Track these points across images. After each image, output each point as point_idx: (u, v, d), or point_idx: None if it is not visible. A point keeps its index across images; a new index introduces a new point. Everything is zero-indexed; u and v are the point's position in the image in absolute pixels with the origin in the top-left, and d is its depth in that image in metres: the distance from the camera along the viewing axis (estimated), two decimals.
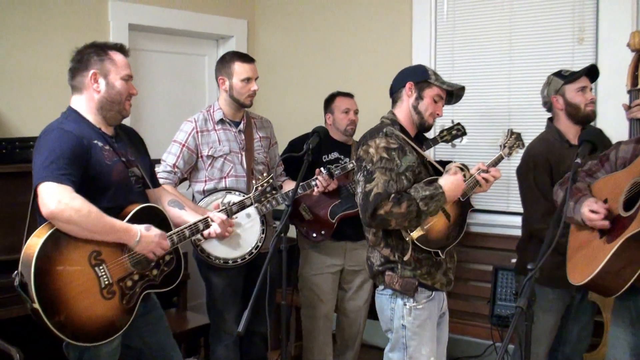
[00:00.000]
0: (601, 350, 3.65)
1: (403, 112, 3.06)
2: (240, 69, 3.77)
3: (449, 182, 2.90)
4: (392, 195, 2.77)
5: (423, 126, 3.07)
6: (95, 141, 2.79)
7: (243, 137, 3.87)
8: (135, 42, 4.90)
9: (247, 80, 3.77)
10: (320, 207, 4.14)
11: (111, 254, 2.74)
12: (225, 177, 3.78)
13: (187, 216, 3.12)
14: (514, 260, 3.78)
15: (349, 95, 4.30)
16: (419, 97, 3.03)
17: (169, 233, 2.92)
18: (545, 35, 4.49)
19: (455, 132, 4.04)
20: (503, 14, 4.64)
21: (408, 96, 3.04)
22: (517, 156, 3.53)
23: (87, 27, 4.58)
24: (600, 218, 2.69)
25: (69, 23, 4.50)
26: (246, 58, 3.83)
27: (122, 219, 2.79)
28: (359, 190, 2.88)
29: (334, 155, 4.24)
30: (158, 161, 4.58)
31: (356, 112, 4.26)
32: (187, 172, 3.83)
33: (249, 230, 3.72)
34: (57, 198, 2.54)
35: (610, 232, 2.66)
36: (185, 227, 3.01)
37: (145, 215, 2.88)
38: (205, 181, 3.79)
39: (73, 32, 4.48)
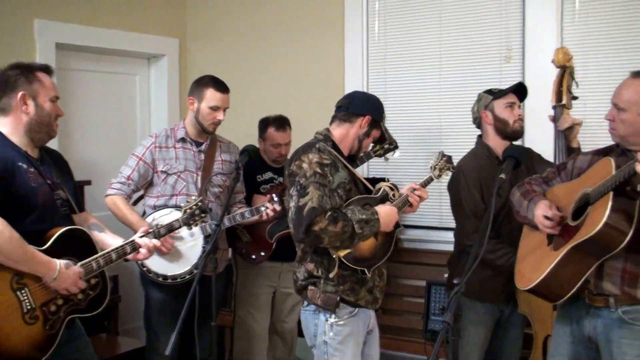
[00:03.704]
0: None
1: (343, 134, 3.07)
2: (211, 96, 3.77)
3: (385, 212, 2.95)
4: (329, 213, 2.77)
5: (355, 156, 3.15)
6: (20, 163, 2.73)
7: (202, 158, 3.86)
8: (63, 62, 4.79)
9: (215, 108, 3.77)
10: (257, 228, 4.13)
11: (34, 277, 2.65)
12: (176, 195, 3.79)
13: (110, 239, 3.07)
14: (446, 275, 3.82)
15: (282, 128, 4.24)
16: (367, 134, 3.09)
17: (95, 256, 2.86)
18: (474, 55, 4.59)
19: (388, 145, 4.10)
20: (433, 34, 4.72)
21: (360, 126, 3.06)
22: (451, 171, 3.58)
23: (12, 46, 4.45)
24: (553, 226, 2.73)
25: None
26: (220, 87, 3.82)
27: (46, 241, 2.72)
28: (292, 204, 2.87)
29: (268, 175, 4.24)
30: (88, 182, 4.54)
31: (288, 144, 4.25)
32: (143, 186, 3.83)
33: (191, 249, 3.70)
34: None
35: (558, 239, 2.71)
36: (112, 250, 2.95)
37: (72, 237, 2.82)
38: (158, 197, 3.80)
39: None
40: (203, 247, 3.71)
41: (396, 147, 4.11)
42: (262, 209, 3.84)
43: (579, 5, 4.22)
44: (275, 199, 3.84)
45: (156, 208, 3.78)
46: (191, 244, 3.70)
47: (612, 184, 2.45)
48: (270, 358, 4.42)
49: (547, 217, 2.74)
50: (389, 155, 4.10)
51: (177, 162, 3.80)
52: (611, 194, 2.46)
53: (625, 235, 2.45)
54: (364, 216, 2.85)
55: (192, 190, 3.79)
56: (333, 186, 2.87)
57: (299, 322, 3.66)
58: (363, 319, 3.03)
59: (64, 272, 2.70)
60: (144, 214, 3.82)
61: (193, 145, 3.85)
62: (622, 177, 2.42)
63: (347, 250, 2.86)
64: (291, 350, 4.44)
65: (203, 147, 3.87)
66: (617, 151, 2.75)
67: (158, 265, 3.65)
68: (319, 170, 2.84)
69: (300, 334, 4.21)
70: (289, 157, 3.73)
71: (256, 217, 3.86)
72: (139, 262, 3.58)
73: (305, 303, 3.03)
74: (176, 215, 3.56)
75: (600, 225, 2.43)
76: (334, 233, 2.77)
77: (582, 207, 2.64)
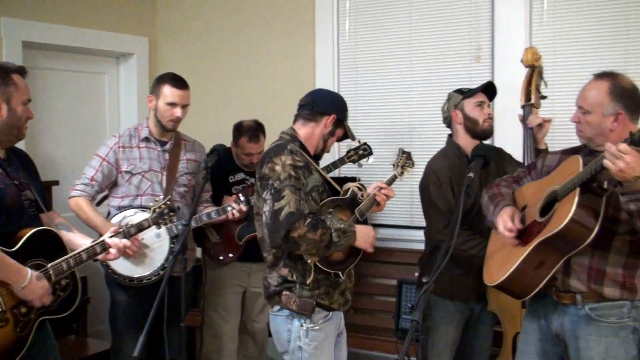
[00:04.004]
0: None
1: (308, 133, 3.03)
2: (168, 92, 3.71)
3: (363, 230, 2.94)
4: (308, 219, 2.72)
5: (319, 155, 3.11)
6: None
7: (167, 157, 3.82)
8: (30, 60, 4.72)
9: (172, 105, 3.71)
10: (227, 229, 4.12)
11: (2, 281, 2.62)
12: (141, 195, 3.76)
13: (79, 239, 3.04)
14: (417, 274, 3.83)
15: (255, 139, 4.15)
16: (332, 133, 3.06)
17: (66, 257, 2.83)
18: (444, 54, 4.62)
19: (362, 151, 4.11)
20: (403, 33, 4.74)
21: (325, 125, 3.03)
22: (422, 170, 3.59)
23: None
24: (512, 237, 2.75)
25: None
26: (177, 83, 3.75)
27: (16, 242, 2.69)
28: (266, 209, 2.80)
29: (240, 176, 4.22)
30: (56, 182, 4.49)
31: (260, 152, 4.23)
32: (107, 187, 3.79)
33: (157, 250, 3.67)
34: None
35: (525, 236, 2.74)
36: (83, 251, 2.92)
37: (41, 238, 2.79)
38: (122, 197, 3.76)
39: None
40: (170, 248, 3.69)
41: (370, 153, 4.12)
42: (229, 209, 3.82)
43: (548, 5, 4.27)
44: (242, 198, 3.81)
45: (121, 209, 3.74)
46: (157, 245, 3.67)
47: (579, 180, 2.48)
48: (240, 358, 4.40)
49: (508, 229, 2.76)
50: (363, 161, 4.11)
51: (142, 162, 3.77)
52: (578, 190, 2.49)
53: (591, 231, 2.48)
54: (342, 226, 2.82)
55: (157, 190, 3.76)
56: (307, 189, 2.84)
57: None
58: (335, 322, 3.02)
59: (34, 283, 2.67)
60: (108, 215, 3.79)
61: (157, 144, 3.82)
62: (589, 174, 2.44)
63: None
64: (262, 349, 4.44)
65: (167, 146, 3.84)
66: (585, 151, 2.78)
67: (124, 267, 3.61)
68: (293, 173, 2.79)
69: (271, 334, 4.22)
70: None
71: (222, 217, 3.84)
72: (104, 263, 3.56)
73: (277, 308, 2.97)
74: (142, 216, 3.55)
75: (567, 220, 2.46)
76: (312, 240, 2.73)
77: (550, 204, 2.67)
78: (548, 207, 2.67)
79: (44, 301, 2.74)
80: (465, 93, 3.51)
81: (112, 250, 3.02)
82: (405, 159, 3.52)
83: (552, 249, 2.60)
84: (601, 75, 2.69)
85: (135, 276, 3.65)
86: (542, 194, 2.73)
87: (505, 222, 2.78)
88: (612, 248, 2.61)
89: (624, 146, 2.29)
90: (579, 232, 2.49)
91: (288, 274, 2.90)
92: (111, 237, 3.05)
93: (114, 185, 3.79)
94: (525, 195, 2.87)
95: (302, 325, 2.90)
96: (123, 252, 3.09)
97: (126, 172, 3.74)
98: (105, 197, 3.94)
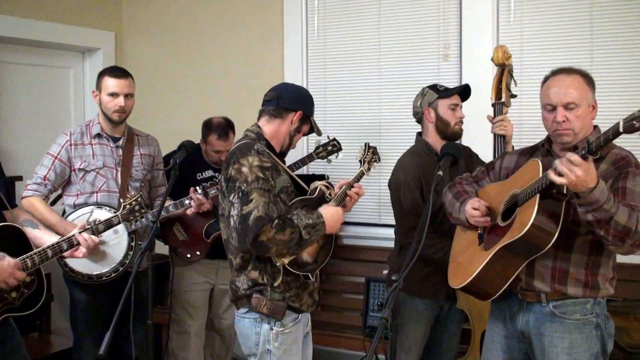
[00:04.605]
0: (469, 357, 3.76)
1: (274, 130, 2.95)
2: (107, 83, 3.69)
3: (330, 214, 2.86)
4: (275, 221, 2.66)
5: (285, 152, 3.05)
6: None
7: (120, 153, 3.78)
8: None
9: (114, 95, 3.68)
10: (194, 227, 4.09)
11: None
12: (97, 192, 3.71)
13: (45, 236, 3.00)
14: (385, 272, 3.84)
15: (224, 137, 4.10)
16: (298, 129, 3.00)
17: (30, 253, 2.78)
18: (413, 52, 4.64)
19: (331, 148, 4.09)
20: (372, 31, 4.75)
21: (291, 122, 2.96)
22: (391, 167, 3.59)
23: None
24: (480, 214, 2.77)
25: None
26: (116, 73, 3.73)
27: None
28: (234, 212, 2.70)
29: (208, 173, 4.19)
30: (19, 178, 4.41)
31: (229, 150, 4.20)
32: (61, 185, 3.74)
33: (115, 247, 3.62)
34: None
35: (488, 240, 2.76)
36: (48, 247, 2.87)
37: (4, 235, 2.74)
38: (77, 195, 3.71)
39: None
40: (129, 244, 3.65)
41: (340, 149, 4.10)
42: (187, 202, 3.81)
43: (514, 5, 4.30)
44: (199, 191, 3.80)
45: (76, 206, 3.69)
46: (115, 241, 3.62)
47: (538, 186, 2.50)
48: (208, 355, 4.38)
49: (474, 208, 2.79)
50: (332, 157, 4.09)
51: (95, 158, 3.73)
52: (537, 196, 2.51)
53: (552, 236, 2.51)
54: (310, 221, 2.76)
55: (113, 187, 3.73)
56: (276, 191, 2.77)
57: None
58: (303, 323, 2.98)
59: None
60: (63, 214, 3.73)
61: (110, 140, 3.78)
62: (544, 183, 2.47)
63: (291, 257, 2.79)
64: (229, 347, 4.42)
65: (120, 142, 3.80)
66: (543, 150, 2.81)
67: (82, 265, 3.55)
68: (261, 175, 2.71)
69: None
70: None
71: (181, 211, 3.84)
72: (62, 262, 3.52)
73: (244, 310, 2.89)
74: (98, 214, 3.54)
75: (528, 226, 2.49)
76: (281, 241, 2.67)
77: (512, 207, 2.69)
78: (510, 210, 2.70)
79: (17, 277, 2.69)
80: (441, 92, 3.48)
81: (82, 248, 2.98)
82: (371, 154, 3.46)
83: (514, 253, 2.62)
84: (568, 70, 2.69)
85: (94, 273, 3.59)
86: (504, 197, 2.75)
87: (472, 203, 2.80)
88: (575, 248, 2.63)
89: (575, 157, 2.31)
90: (540, 237, 2.52)
91: (258, 277, 2.82)
92: (80, 233, 3.01)
93: (67, 183, 3.74)
94: (488, 196, 2.89)
95: (271, 329, 2.83)
96: (93, 250, 3.05)
97: (80, 169, 3.69)
98: (59, 197, 3.89)
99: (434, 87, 3.52)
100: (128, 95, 3.73)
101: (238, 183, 2.70)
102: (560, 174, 2.35)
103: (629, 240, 2.43)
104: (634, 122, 2.18)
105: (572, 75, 2.67)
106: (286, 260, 2.78)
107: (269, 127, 2.96)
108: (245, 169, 2.71)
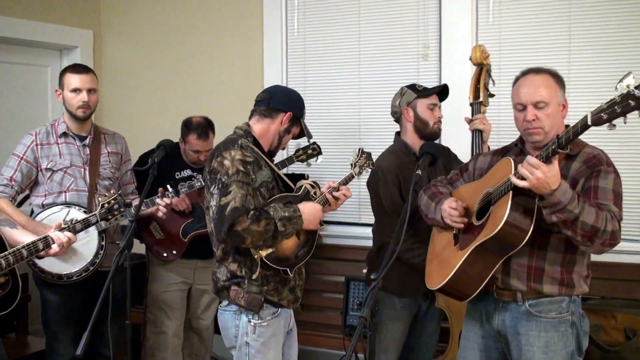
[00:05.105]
0: (448, 356, 3.77)
1: (263, 129, 3.00)
2: (69, 80, 3.68)
3: (308, 209, 2.92)
4: (251, 212, 2.71)
5: (274, 152, 3.09)
6: None
7: (88, 152, 3.76)
8: None
9: (76, 90, 3.66)
10: (171, 226, 4.06)
11: None
12: (65, 192, 3.68)
13: (21, 236, 2.98)
14: (365, 271, 3.84)
15: (204, 137, 4.06)
16: (288, 130, 3.05)
17: (4, 253, 2.75)
18: (392, 52, 4.65)
19: (311, 151, 4.12)
20: (352, 31, 4.76)
21: (281, 123, 3.01)
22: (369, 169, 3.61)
23: None
24: (458, 215, 2.79)
25: None
26: (77, 69, 3.73)
27: None
28: (213, 203, 2.78)
29: (187, 172, 4.16)
30: None
31: (209, 150, 4.17)
32: (28, 186, 3.70)
33: (85, 246, 3.59)
34: None
35: (463, 239, 2.77)
36: (23, 247, 2.85)
37: None
38: (45, 195, 3.67)
39: None
40: (99, 244, 3.63)
41: (319, 152, 4.12)
42: (157, 200, 3.79)
43: (493, 5, 4.33)
44: (170, 189, 3.79)
45: (45, 206, 3.66)
46: (85, 240, 3.59)
47: (511, 184, 2.51)
48: (186, 355, 4.36)
49: (453, 208, 2.81)
50: (311, 160, 4.11)
51: (62, 158, 3.70)
52: (510, 193, 2.52)
53: (526, 233, 2.52)
54: (286, 214, 2.81)
55: (82, 186, 3.70)
56: (256, 185, 2.82)
57: (216, 319, 3.65)
58: (284, 319, 3.01)
59: None
60: (31, 214, 3.69)
61: (76, 139, 3.76)
62: (511, 186, 2.49)
63: (269, 250, 2.82)
64: (208, 347, 4.39)
65: (87, 141, 3.78)
66: (515, 150, 2.83)
67: (51, 264, 3.51)
68: (241, 168, 2.77)
69: (217, 331, 4.19)
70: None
71: (152, 209, 3.82)
72: (31, 262, 3.47)
73: (225, 303, 2.95)
74: (74, 214, 3.50)
75: (501, 224, 2.50)
76: (256, 232, 2.71)
77: (486, 206, 2.70)
78: (485, 209, 2.71)
79: None
80: (420, 92, 3.49)
81: (54, 246, 2.96)
82: (365, 159, 3.53)
83: (489, 252, 2.64)
84: (537, 70, 2.71)
85: (63, 273, 3.55)
86: (477, 196, 2.77)
87: (449, 203, 2.82)
88: (550, 246, 2.65)
89: (534, 160, 2.34)
90: (514, 234, 2.54)
91: (237, 269, 2.89)
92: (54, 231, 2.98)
93: (35, 183, 3.71)
94: (462, 197, 2.91)
95: (249, 321, 2.89)
96: (67, 248, 3.02)
97: (47, 169, 3.66)
98: (27, 198, 3.85)
99: (412, 87, 3.53)
100: (91, 91, 3.71)
101: (219, 175, 2.78)
102: (522, 177, 2.38)
103: (598, 240, 2.46)
104: (602, 115, 2.19)
105: (541, 75, 2.69)
106: (264, 253, 2.82)
107: (259, 126, 3.02)
108: (227, 162, 2.78)
